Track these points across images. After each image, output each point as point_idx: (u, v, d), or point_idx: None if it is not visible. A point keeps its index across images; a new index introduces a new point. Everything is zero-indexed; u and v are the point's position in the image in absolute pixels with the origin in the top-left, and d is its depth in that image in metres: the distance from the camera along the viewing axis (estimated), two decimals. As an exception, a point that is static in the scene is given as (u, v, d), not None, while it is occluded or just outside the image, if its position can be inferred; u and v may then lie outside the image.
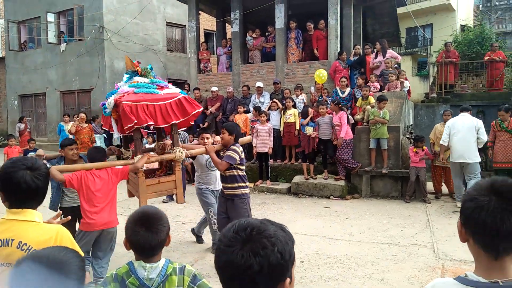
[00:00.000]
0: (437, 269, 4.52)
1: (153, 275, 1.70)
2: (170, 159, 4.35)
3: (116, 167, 3.98)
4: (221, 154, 4.44)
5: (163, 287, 1.71)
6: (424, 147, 7.85)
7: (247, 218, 1.08)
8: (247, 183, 4.48)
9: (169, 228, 1.82)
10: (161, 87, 4.27)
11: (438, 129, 8.02)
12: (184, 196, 5.18)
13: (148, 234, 1.69)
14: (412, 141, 8.31)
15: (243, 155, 4.38)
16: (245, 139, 5.18)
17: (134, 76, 4.25)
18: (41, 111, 17.34)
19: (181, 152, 4.23)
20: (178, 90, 4.33)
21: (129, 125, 3.83)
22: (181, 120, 4.20)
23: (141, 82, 4.16)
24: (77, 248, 1.84)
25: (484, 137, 7.08)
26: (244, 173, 4.45)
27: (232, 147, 4.30)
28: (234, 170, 4.33)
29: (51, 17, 16.11)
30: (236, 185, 4.36)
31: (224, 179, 4.44)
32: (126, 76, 4.31)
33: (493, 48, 12.30)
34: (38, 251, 1.30)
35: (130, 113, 3.82)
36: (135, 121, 3.82)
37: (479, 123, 7.11)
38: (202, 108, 4.38)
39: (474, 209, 1.18)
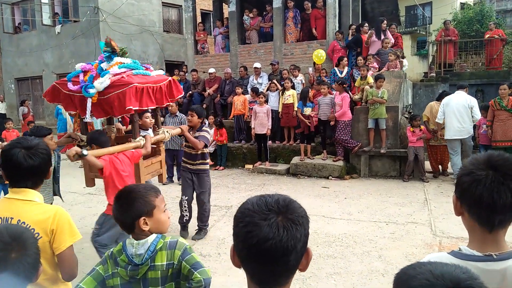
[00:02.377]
0: (434, 246, 4.59)
1: (141, 251, 1.70)
2: (160, 140, 4.41)
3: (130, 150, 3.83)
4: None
5: (152, 262, 1.70)
6: (422, 126, 7.86)
7: (261, 195, 1.04)
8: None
9: (148, 203, 1.73)
10: (147, 69, 4.22)
11: (434, 107, 8.04)
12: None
13: (120, 209, 1.73)
14: (409, 120, 8.32)
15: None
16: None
17: (115, 57, 4.02)
18: (38, 95, 17.20)
19: (168, 133, 4.42)
20: (161, 72, 4.39)
21: (135, 108, 3.69)
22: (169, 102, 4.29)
23: (127, 63, 3.99)
24: (75, 230, 1.87)
25: (478, 116, 7.33)
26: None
27: (204, 128, 4.90)
28: (205, 148, 4.90)
29: (45, -2, 15.85)
30: (205, 161, 5.00)
31: (193, 156, 4.92)
32: (104, 56, 4.02)
33: (490, 27, 12.24)
34: None
35: (134, 95, 3.69)
36: (137, 105, 3.72)
37: (473, 101, 7.32)
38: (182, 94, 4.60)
39: (471, 183, 1.19)
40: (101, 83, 3.70)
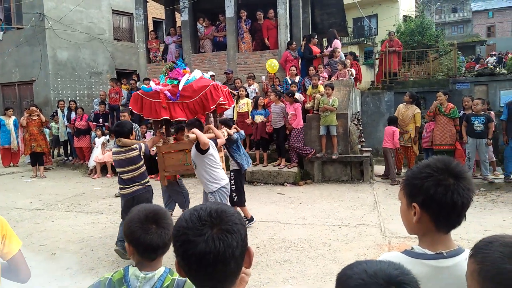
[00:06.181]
0: (384, 246, 4.82)
1: (146, 286, 1.50)
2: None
3: None
4: None
5: None
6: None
7: (195, 206, 1.05)
8: None
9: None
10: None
11: (400, 110, 8.52)
12: None
13: (160, 230, 1.52)
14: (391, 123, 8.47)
15: None
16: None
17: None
18: (-23, 105, 16.17)
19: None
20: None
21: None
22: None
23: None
24: (16, 235, 1.87)
25: None
26: None
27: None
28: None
29: (-16, 4, 14.98)
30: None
31: None
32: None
33: (390, 36, 13.24)
34: None
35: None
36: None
37: None
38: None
39: (442, 190, 1.23)
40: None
